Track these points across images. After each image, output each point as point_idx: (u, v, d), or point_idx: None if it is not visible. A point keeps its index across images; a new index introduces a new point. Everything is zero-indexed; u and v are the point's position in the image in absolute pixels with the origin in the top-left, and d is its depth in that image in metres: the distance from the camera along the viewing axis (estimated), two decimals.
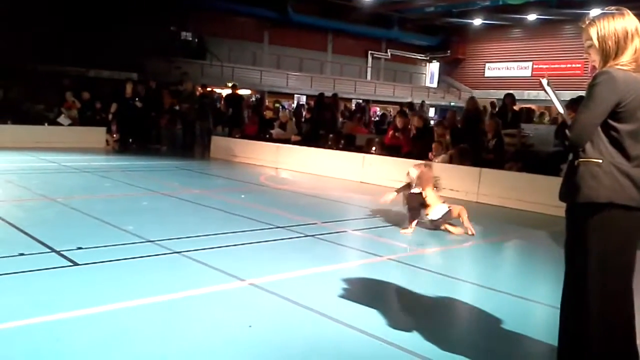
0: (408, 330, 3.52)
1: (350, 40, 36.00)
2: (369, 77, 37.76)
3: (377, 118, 23.14)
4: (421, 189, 6.49)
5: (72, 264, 4.43)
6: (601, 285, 2.61)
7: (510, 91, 12.75)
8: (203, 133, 16.16)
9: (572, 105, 4.68)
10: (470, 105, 11.59)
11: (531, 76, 35.85)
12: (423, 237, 6.55)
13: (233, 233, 5.81)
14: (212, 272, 4.44)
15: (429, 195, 6.50)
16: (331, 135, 13.34)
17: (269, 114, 15.83)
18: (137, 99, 14.65)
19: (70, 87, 16.13)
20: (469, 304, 4.19)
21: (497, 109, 13.34)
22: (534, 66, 35.98)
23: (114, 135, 14.84)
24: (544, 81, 2.90)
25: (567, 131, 2.64)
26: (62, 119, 14.78)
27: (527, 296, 4.38)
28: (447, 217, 6.50)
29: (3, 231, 5.45)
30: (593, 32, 2.64)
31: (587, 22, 2.68)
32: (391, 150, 11.22)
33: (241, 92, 25.46)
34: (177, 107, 16.19)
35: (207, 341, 3.20)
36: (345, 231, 6.47)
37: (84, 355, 2.95)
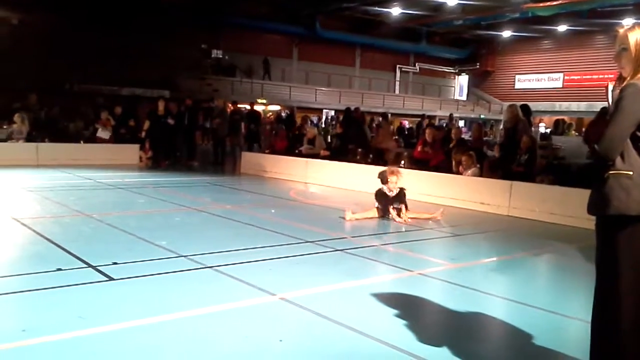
0: (439, 345, 3.51)
1: (378, 54, 36.14)
2: (397, 91, 37.78)
3: (406, 132, 23.03)
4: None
5: (107, 279, 4.55)
6: (633, 299, 2.58)
7: (539, 103, 12.50)
8: (234, 149, 16.37)
9: None
10: (510, 115, 10.49)
11: (562, 87, 35.40)
12: (454, 251, 6.53)
13: (264, 248, 5.88)
14: (244, 286, 4.50)
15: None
16: (360, 150, 13.37)
17: (310, 132, 14.87)
18: (169, 116, 14.92)
19: (104, 106, 16.54)
20: (500, 319, 4.15)
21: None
22: (565, 77, 35.56)
23: (147, 152, 15.15)
24: (611, 86, 2.74)
25: (596, 145, 2.63)
26: (101, 132, 15.19)
27: (560, 311, 4.33)
28: None
29: (41, 247, 5.62)
30: (632, 37, 2.60)
31: (625, 27, 2.66)
32: (420, 163, 11.21)
33: (271, 107, 25.77)
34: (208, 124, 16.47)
35: (238, 355, 3.25)
36: (375, 245, 6.47)
37: None
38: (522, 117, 10.49)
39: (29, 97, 15.33)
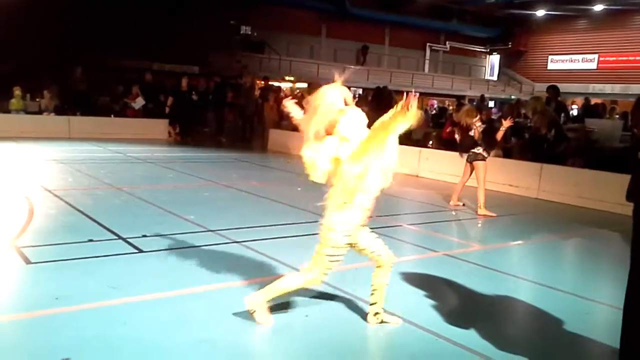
0: (463, 326, 3.50)
1: (408, 32, 35.55)
2: (426, 70, 37.25)
3: (434, 111, 22.72)
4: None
5: (137, 251, 4.63)
6: None
7: (572, 85, 12.25)
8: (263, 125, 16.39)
9: None
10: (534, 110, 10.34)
11: (597, 69, 34.51)
12: (481, 233, 6.48)
13: (290, 225, 5.91)
14: (270, 262, 4.54)
15: None
16: None
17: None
18: (193, 92, 14.99)
19: (135, 81, 16.68)
20: (527, 302, 4.13)
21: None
22: (600, 59, 34.56)
23: (176, 128, 15.28)
24: None
25: (635, 129, 2.57)
26: (134, 104, 15.40)
27: (589, 296, 4.28)
28: None
29: (73, 218, 5.74)
30: None
31: None
32: (448, 144, 11.08)
33: (299, 85, 25.66)
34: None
35: (264, 327, 3.29)
36: (400, 225, 6.46)
37: (149, 338, 3.10)
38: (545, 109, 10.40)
39: (74, 70, 15.46)
